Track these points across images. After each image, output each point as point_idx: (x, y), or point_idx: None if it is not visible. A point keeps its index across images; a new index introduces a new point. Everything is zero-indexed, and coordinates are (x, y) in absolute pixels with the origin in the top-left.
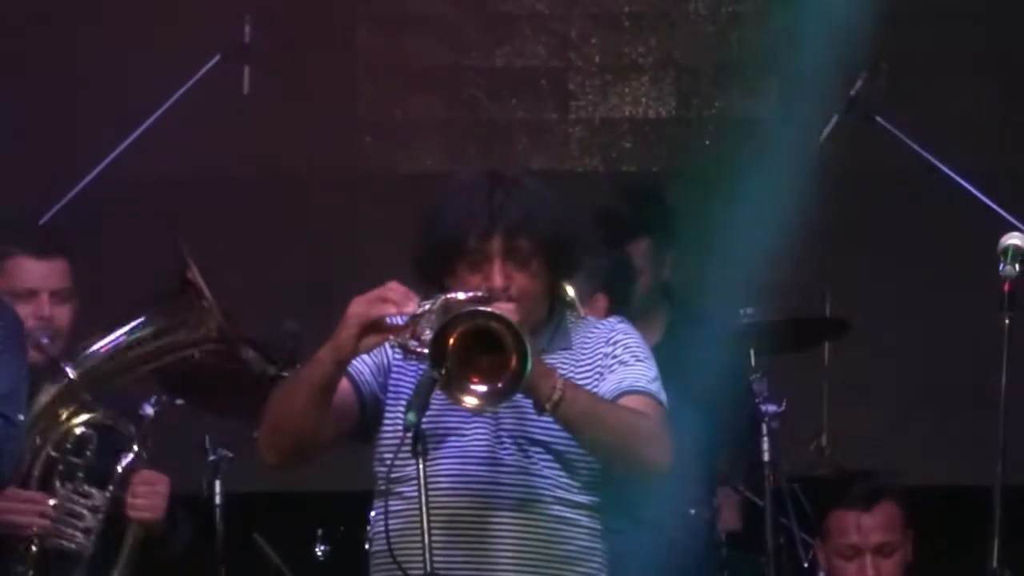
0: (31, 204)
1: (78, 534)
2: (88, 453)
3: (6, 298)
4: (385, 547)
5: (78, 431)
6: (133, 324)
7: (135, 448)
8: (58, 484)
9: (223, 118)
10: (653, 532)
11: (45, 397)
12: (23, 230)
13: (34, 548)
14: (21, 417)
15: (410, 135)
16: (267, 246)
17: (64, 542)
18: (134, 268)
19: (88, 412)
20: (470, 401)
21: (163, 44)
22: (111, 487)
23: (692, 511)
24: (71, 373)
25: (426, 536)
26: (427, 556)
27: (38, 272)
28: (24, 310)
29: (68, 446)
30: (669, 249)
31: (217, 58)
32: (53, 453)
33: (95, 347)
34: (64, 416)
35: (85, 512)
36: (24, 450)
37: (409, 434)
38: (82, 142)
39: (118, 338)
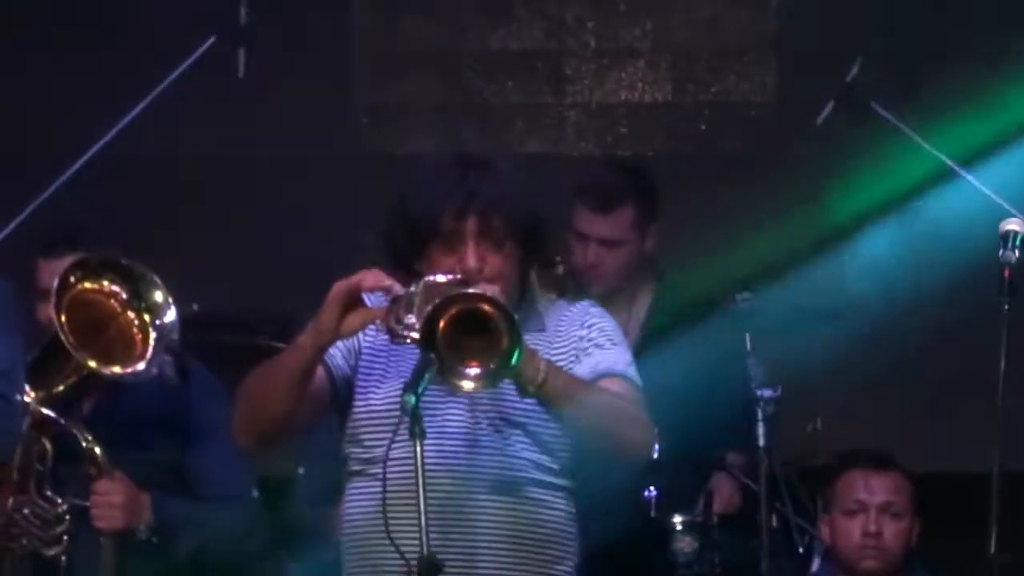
0: (23, 187)
1: (49, 540)
2: (48, 462)
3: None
4: (363, 529)
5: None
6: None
7: (93, 457)
8: (25, 494)
9: (218, 100)
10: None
11: None
12: (42, 232)
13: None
14: (19, 397)
15: (406, 117)
16: (263, 227)
17: (40, 547)
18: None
19: (43, 422)
20: (466, 385)
21: (158, 25)
22: (73, 496)
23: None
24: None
25: (423, 518)
26: (424, 538)
27: (46, 272)
28: (42, 311)
29: (32, 454)
30: (653, 221)
31: (212, 40)
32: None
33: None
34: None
35: (52, 519)
36: (20, 431)
37: (406, 416)
38: (75, 124)
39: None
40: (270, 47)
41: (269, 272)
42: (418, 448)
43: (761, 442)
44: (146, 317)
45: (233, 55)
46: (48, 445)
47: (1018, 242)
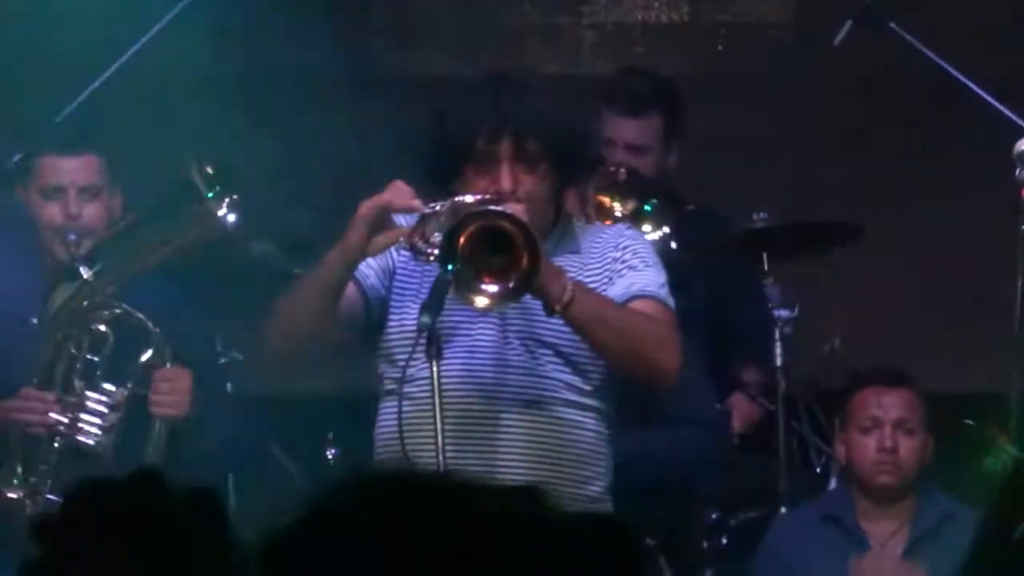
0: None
1: (96, 431)
2: (106, 350)
3: (36, 198)
4: (391, 446)
5: (95, 328)
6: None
7: (155, 344)
8: (76, 382)
9: (235, 18)
10: (668, 428)
11: (63, 296)
12: (48, 128)
13: (55, 445)
14: (35, 320)
15: (422, 38)
16: (278, 148)
17: (81, 439)
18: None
19: (106, 309)
20: (481, 301)
21: None
22: (129, 383)
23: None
24: (86, 274)
25: (439, 437)
26: (440, 458)
27: (64, 168)
28: (53, 209)
29: (85, 344)
30: (678, 136)
31: None
32: (73, 351)
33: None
34: (82, 314)
35: (103, 409)
36: (38, 352)
37: (423, 336)
38: (98, 34)
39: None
40: None
41: (283, 194)
42: (434, 368)
43: (778, 362)
44: None
45: None
46: (107, 332)
47: None
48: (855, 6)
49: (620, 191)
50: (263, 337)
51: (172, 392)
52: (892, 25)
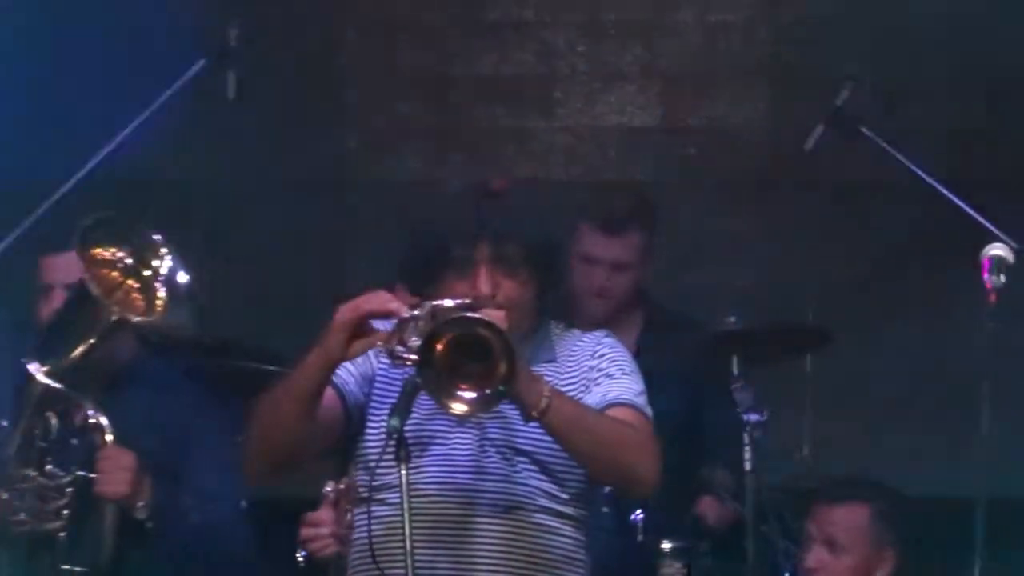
0: (10, 207)
1: (49, 516)
2: (52, 436)
3: None
4: (365, 553)
5: (43, 415)
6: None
7: (99, 427)
8: (27, 469)
9: (208, 123)
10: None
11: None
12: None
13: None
14: (5, 423)
15: (396, 142)
16: (251, 251)
17: (35, 524)
18: None
19: (54, 396)
20: (458, 407)
21: (148, 48)
22: (75, 467)
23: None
24: (38, 374)
25: (408, 542)
26: (409, 562)
27: (49, 267)
28: (45, 307)
29: (36, 431)
30: (653, 248)
31: (202, 63)
32: (19, 439)
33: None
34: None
35: (52, 494)
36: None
37: (392, 440)
38: (65, 147)
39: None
40: (260, 71)
41: (257, 299)
42: (403, 472)
43: (748, 467)
44: (146, 275)
45: (222, 78)
46: (53, 419)
47: (1003, 266)
48: (827, 110)
49: None
50: (242, 445)
51: (111, 470)
52: (863, 129)
